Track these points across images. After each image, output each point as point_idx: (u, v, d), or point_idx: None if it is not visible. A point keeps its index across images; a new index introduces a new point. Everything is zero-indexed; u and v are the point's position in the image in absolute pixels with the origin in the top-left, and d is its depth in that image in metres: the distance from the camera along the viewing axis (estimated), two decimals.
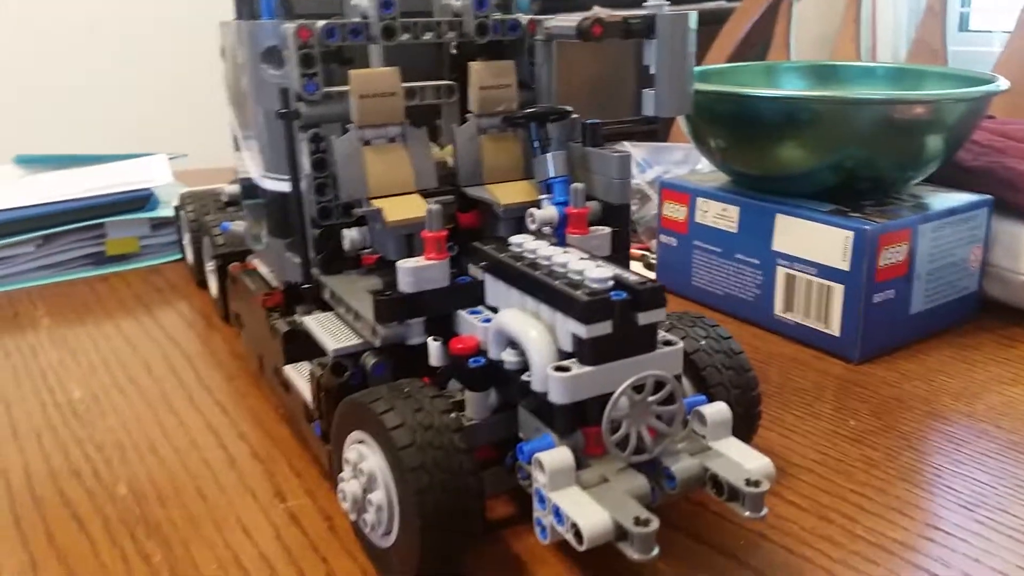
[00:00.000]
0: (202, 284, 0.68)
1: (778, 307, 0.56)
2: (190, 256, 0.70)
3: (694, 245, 0.61)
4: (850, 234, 0.51)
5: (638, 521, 0.29)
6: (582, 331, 0.32)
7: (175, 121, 1.99)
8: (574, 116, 0.44)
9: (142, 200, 0.78)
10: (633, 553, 0.29)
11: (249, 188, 0.53)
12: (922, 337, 0.56)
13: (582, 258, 0.35)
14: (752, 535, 0.37)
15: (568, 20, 0.42)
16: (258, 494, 0.41)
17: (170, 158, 0.89)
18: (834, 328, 0.53)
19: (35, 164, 0.98)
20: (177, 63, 2.15)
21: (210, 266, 0.63)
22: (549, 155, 0.42)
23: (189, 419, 0.49)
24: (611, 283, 0.33)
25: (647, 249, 0.71)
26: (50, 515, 0.40)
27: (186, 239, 0.71)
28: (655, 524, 0.29)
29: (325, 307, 0.45)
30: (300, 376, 0.43)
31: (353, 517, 0.35)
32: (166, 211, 0.78)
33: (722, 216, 0.58)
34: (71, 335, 0.61)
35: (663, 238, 0.64)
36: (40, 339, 0.61)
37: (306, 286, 0.45)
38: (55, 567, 0.36)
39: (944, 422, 0.46)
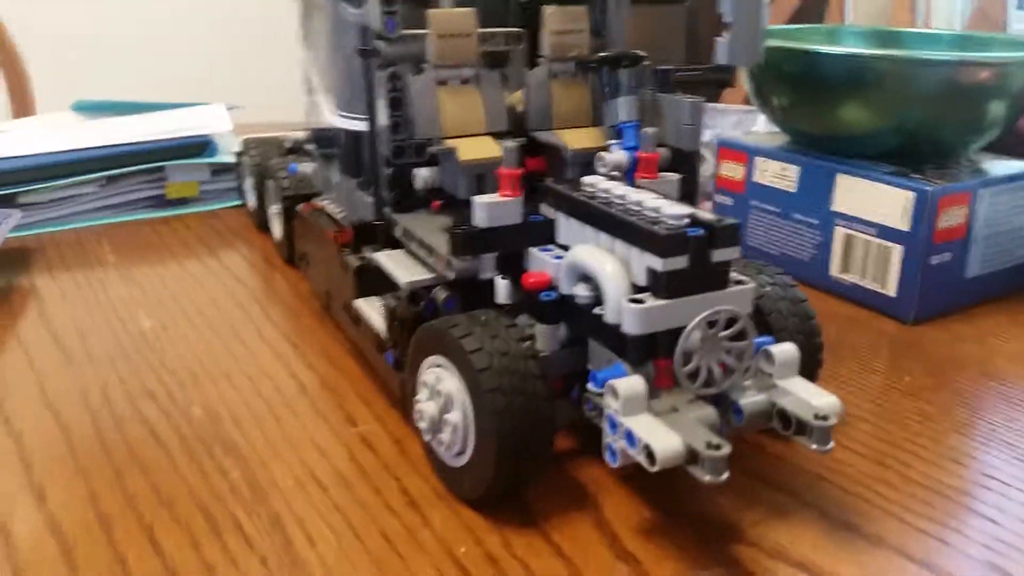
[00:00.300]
0: (263, 228, 0.70)
1: (835, 267, 0.57)
2: (252, 201, 0.72)
3: (751, 205, 0.62)
4: (911, 195, 0.51)
5: (709, 445, 0.30)
6: (658, 264, 0.33)
7: (227, 75, 2.01)
8: (646, 62, 0.44)
9: (202, 146, 0.80)
10: (704, 475, 0.30)
11: (321, 134, 0.54)
12: (976, 301, 0.56)
13: (656, 197, 0.36)
14: (810, 476, 0.38)
15: None
16: (329, 419, 0.43)
17: (227, 108, 0.90)
18: (890, 289, 0.53)
19: (93, 111, 1.01)
20: (232, 17, 2.17)
21: (274, 209, 0.65)
22: (620, 100, 0.43)
23: (258, 350, 0.50)
24: (687, 220, 0.33)
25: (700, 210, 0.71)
26: (130, 433, 0.42)
27: (248, 184, 0.72)
28: (727, 448, 0.30)
29: (393, 246, 0.46)
30: (371, 309, 0.45)
31: (428, 437, 0.36)
32: (226, 158, 0.80)
33: (781, 176, 0.59)
34: (137, 271, 0.63)
35: (718, 198, 0.65)
36: (108, 274, 0.63)
37: (378, 223, 0.46)
38: (138, 479, 0.38)
39: (998, 382, 0.47)
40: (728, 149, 0.63)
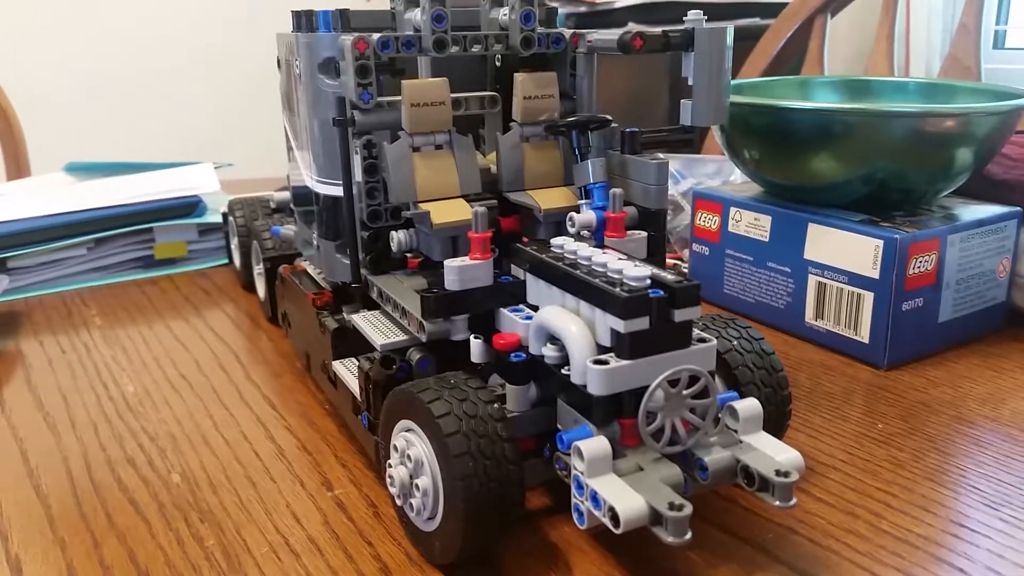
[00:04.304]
0: (249, 287, 0.71)
1: (809, 314, 0.57)
2: (237, 260, 0.73)
3: (726, 254, 0.63)
4: (880, 243, 0.52)
5: (672, 506, 0.31)
6: (620, 326, 0.33)
7: (218, 133, 2.04)
8: (613, 125, 0.46)
9: (191, 206, 0.81)
10: (667, 536, 0.31)
11: (301, 194, 0.55)
12: (950, 345, 0.57)
13: (620, 258, 0.37)
14: (780, 529, 0.39)
15: (610, 34, 0.44)
16: (306, 483, 0.43)
17: (215, 167, 0.92)
18: (863, 335, 0.54)
19: (85, 172, 1.02)
20: (222, 78, 2.21)
21: (258, 269, 0.66)
22: (589, 161, 0.44)
23: (238, 413, 0.51)
24: (648, 281, 0.34)
25: (679, 259, 0.72)
26: (109, 500, 0.42)
27: (234, 244, 0.73)
28: (688, 509, 0.30)
29: (371, 307, 0.47)
30: (348, 371, 0.45)
31: (400, 502, 0.37)
32: (213, 217, 0.81)
33: (754, 225, 0.60)
34: (123, 334, 0.64)
35: (695, 247, 0.66)
36: (93, 337, 0.64)
37: (355, 285, 0.47)
38: (115, 546, 0.39)
39: (970, 426, 0.47)
40: (703, 200, 0.64)
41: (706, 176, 0.79)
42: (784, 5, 1.14)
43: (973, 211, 0.57)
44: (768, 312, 0.60)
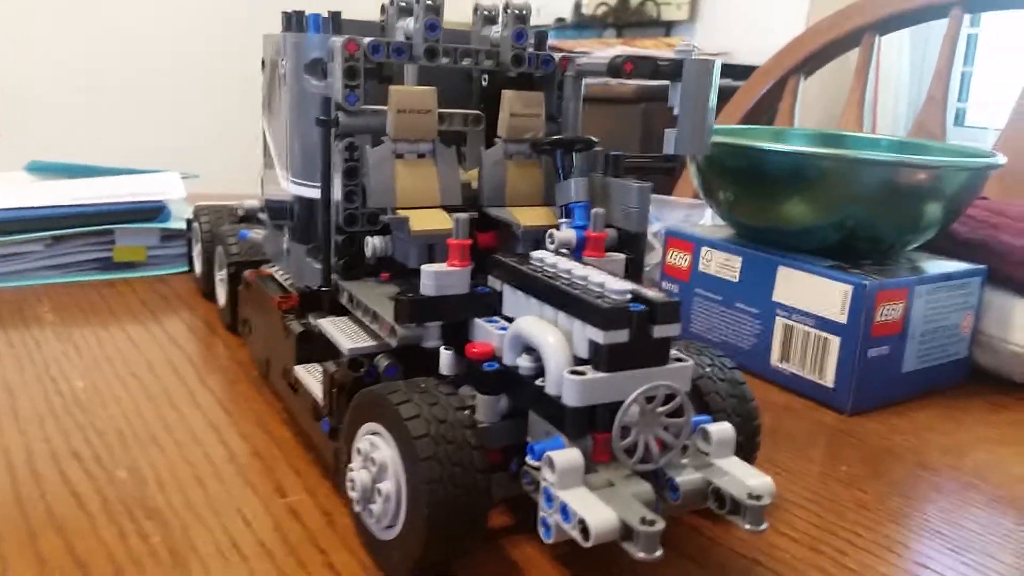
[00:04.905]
0: (208, 296, 0.69)
1: (775, 357, 0.57)
2: (199, 267, 0.71)
3: (695, 293, 0.63)
4: (849, 288, 0.53)
5: (644, 521, 0.30)
6: (600, 337, 0.33)
7: (184, 144, 2.02)
8: (598, 148, 0.46)
9: (154, 211, 0.79)
10: (638, 552, 0.30)
11: (274, 204, 0.54)
12: (912, 396, 0.57)
13: (600, 273, 0.36)
14: (745, 561, 0.38)
15: (600, 58, 0.44)
16: (258, 488, 0.42)
17: (182, 177, 0.90)
18: (828, 380, 0.54)
19: (47, 172, 1.00)
20: (193, 91, 2.19)
21: (221, 275, 0.64)
22: (572, 180, 0.44)
23: (191, 415, 0.49)
24: (629, 295, 0.34)
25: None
26: (50, 492, 0.40)
27: (197, 250, 0.72)
28: (660, 524, 0.30)
29: (339, 313, 0.46)
30: (310, 376, 0.44)
31: (358, 508, 0.35)
32: (176, 224, 0.79)
33: (725, 266, 0.60)
34: (75, 331, 0.62)
35: (666, 285, 0.66)
36: (44, 333, 0.61)
37: (325, 289, 0.46)
38: (53, 539, 0.37)
39: (932, 473, 0.47)
40: (676, 238, 0.64)
41: (677, 220, 0.79)
42: (756, 68, 1.17)
43: (940, 265, 0.58)
44: (734, 352, 0.60)
